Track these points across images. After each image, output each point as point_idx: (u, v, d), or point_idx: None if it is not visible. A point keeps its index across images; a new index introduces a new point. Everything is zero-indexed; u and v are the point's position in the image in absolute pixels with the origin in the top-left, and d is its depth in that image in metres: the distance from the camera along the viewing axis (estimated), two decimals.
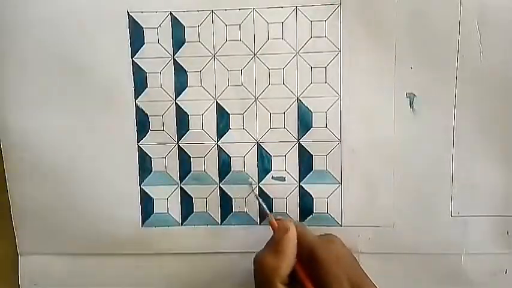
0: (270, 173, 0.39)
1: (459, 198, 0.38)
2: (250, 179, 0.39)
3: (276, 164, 0.39)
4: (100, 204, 0.40)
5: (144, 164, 0.39)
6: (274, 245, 0.33)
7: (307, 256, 0.33)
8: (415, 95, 0.37)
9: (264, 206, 0.38)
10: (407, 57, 0.37)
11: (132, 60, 0.38)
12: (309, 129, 0.38)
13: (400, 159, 0.38)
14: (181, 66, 0.38)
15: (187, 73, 0.38)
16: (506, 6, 0.35)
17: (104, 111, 0.39)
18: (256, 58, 0.38)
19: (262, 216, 0.39)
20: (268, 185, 0.39)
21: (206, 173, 0.39)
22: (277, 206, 0.39)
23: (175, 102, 0.39)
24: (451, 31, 0.36)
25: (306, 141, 0.38)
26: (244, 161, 0.39)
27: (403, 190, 0.38)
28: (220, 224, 0.40)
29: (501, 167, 0.37)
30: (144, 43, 0.38)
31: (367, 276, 0.33)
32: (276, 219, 0.36)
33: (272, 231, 0.35)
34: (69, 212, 0.40)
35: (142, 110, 0.39)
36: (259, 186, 0.39)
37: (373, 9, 0.36)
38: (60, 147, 0.39)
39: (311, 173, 0.39)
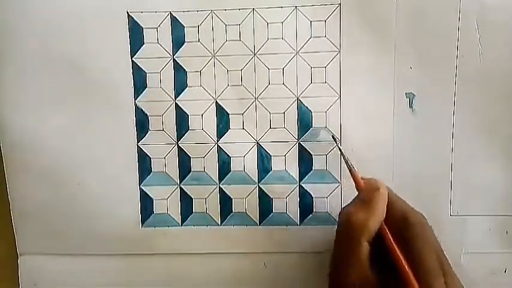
0: (270, 173, 0.39)
1: (459, 197, 0.38)
2: (331, 133, 0.38)
3: (276, 164, 0.39)
4: (100, 205, 0.40)
5: (144, 164, 0.39)
6: (364, 202, 0.32)
7: (398, 220, 0.31)
8: (414, 95, 0.37)
9: (349, 162, 0.35)
10: (407, 57, 0.37)
11: (132, 60, 0.38)
12: (309, 129, 0.38)
13: (400, 159, 0.38)
14: (181, 66, 0.38)
15: (187, 73, 0.38)
16: (505, 6, 0.35)
17: (104, 111, 0.39)
18: (256, 58, 0.38)
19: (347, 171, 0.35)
20: (268, 184, 0.39)
21: (206, 173, 0.39)
22: (277, 206, 0.39)
23: (175, 102, 0.39)
24: (450, 31, 0.36)
25: (306, 141, 0.38)
26: (244, 161, 0.39)
27: (402, 189, 0.38)
28: (220, 224, 0.40)
29: (501, 166, 0.38)
30: (143, 43, 0.38)
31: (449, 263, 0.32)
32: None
33: (356, 189, 0.34)
34: (69, 212, 0.40)
35: (142, 110, 0.39)
36: (259, 186, 0.39)
37: (373, 9, 0.36)
38: (60, 148, 0.39)
39: (311, 172, 0.39)
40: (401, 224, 0.31)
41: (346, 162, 0.35)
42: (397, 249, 0.30)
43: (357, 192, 0.34)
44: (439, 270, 0.30)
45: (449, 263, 0.31)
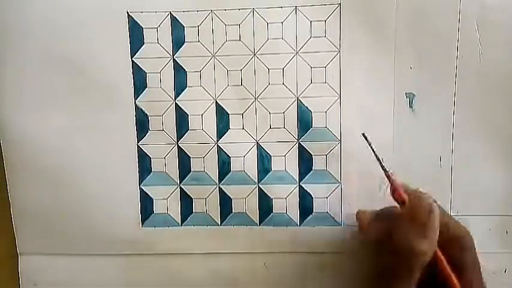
0: (270, 173, 0.39)
1: (459, 197, 0.38)
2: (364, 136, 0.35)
3: (276, 164, 0.39)
4: (100, 205, 0.40)
5: (144, 164, 0.39)
6: (421, 227, 0.30)
7: (449, 239, 0.31)
8: (414, 95, 0.37)
9: (385, 167, 0.34)
10: (407, 57, 0.37)
11: (132, 60, 0.38)
12: (309, 129, 0.38)
13: (400, 159, 0.38)
14: (180, 66, 0.38)
15: (187, 73, 0.38)
16: (505, 6, 0.35)
17: (104, 111, 0.39)
18: (255, 58, 0.38)
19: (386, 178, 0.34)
20: (268, 184, 0.39)
21: (206, 173, 0.39)
22: (277, 206, 0.39)
23: (175, 102, 0.39)
24: (450, 31, 0.36)
25: (306, 141, 0.38)
26: (244, 161, 0.39)
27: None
28: (220, 224, 0.40)
29: (501, 166, 0.38)
30: (143, 43, 0.38)
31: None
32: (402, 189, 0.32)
33: (393, 199, 0.33)
34: (69, 212, 0.40)
35: (142, 110, 0.39)
36: (258, 187, 0.39)
37: (373, 9, 0.36)
38: (60, 148, 0.39)
39: (311, 172, 0.39)
40: (452, 244, 0.31)
41: (382, 166, 0.34)
42: (451, 274, 0.30)
43: (396, 202, 0.33)
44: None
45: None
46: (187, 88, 0.38)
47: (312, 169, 0.39)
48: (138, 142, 0.39)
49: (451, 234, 0.31)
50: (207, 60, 0.38)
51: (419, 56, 0.37)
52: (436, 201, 0.31)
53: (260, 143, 0.39)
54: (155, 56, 0.38)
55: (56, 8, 0.38)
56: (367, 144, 0.35)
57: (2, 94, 0.39)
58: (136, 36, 0.38)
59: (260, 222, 0.39)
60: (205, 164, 0.39)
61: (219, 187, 0.39)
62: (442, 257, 0.31)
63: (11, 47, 0.38)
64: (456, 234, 0.31)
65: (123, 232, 0.40)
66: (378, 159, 0.35)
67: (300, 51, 0.37)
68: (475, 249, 0.32)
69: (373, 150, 0.35)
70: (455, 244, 0.31)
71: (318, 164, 0.39)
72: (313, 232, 0.39)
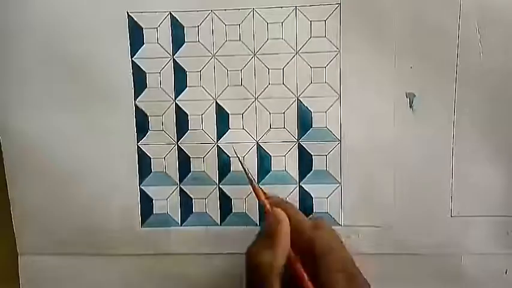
0: (270, 173, 0.39)
1: (459, 198, 0.38)
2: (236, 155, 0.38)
3: (276, 164, 0.39)
4: (100, 205, 0.40)
5: (144, 164, 0.39)
6: (268, 239, 0.31)
7: (304, 246, 0.31)
8: (414, 95, 0.37)
9: (254, 180, 0.36)
10: (407, 57, 0.37)
11: (132, 61, 0.38)
12: (309, 129, 0.38)
13: (400, 159, 0.38)
14: (180, 66, 0.38)
15: (187, 73, 0.38)
16: (506, 6, 0.35)
17: (104, 112, 0.39)
18: (255, 58, 0.38)
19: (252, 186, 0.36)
20: (268, 185, 0.39)
21: (206, 173, 0.39)
22: None
23: (175, 103, 0.39)
24: (450, 31, 0.36)
25: (306, 141, 0.38)
26: (244, 161, 0.39)
27: (403, 190, 0.38)
28: (220, 224, 0.40)
29: (501, 167, 0.37)
30: (143, 43, 0.38)
31: (360, 271, 0.32)
32: (267, 199, 0.34)
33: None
34: (69, 212, 0.40)
35: (141, 110, 0.39)
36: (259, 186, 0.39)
37: (373, 9, 0.36)
38: (60, 147, 0.39)
39: (311, 173, 0.39)
40: (307, 251, 0.31)
41: (251, 182, 0.35)
42: (305, 276, 0.31)
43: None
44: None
45: (364, 284, 0.31)
46: (187, 88, 0.38)
47: (312, 169, 0.39)
48: (138, 142, 0.39)
49: (305, 241, 0.31)
50: (207, 60, 0.38)
51: (419, 56, 0.37)
52: (294, 208, 0.34)
53: (260, 143, 0.39)
54: (155, 56, 0.38)
55: (56, 8, 0.38)
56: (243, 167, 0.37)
57: (2, 94, 0.39)
58: (136, 36, 0.38)
59: (260, 222, 0.39)
60: (205, 164, 0.39)
61: (219, 187, 0.39)
62: (298, 264, 0.31)
63: (11, 47, 0.38)
64: (309, 241, 0.31)
65: (123, 232, 0.40)
66: (244, 168, 0.37)
67: (299, 51, 0.37)
68: (333, 253, 0.31)
69: (239, 159, 0.38)
70: (308, 249, 0.31)
71: (318, 164, 0.38)
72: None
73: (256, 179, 0.39)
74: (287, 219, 0.32)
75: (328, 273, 0.30)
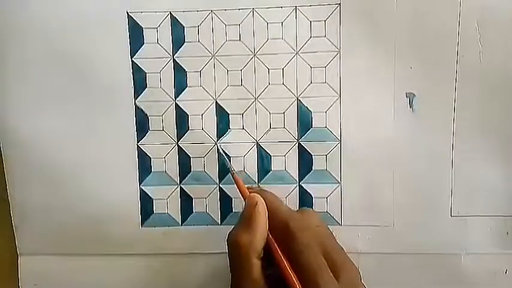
0: (269, 173, 0.39)
1: (459, 198, 0.38)
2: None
3: (276, 164, 0.39)
4: (100, 205, 0.40)
5: (144, 164, 0.39)
6: (245, 220, 0.32)
7: (280, 228, 0.32)
8: (414, 95, 0.37)
9: (232, 169, 0.37)
10: (407, 57, 0.37)
11: (132, 61, 0.38)
12: (309, 129, 0.38)
13: (400, 159, 0.38)
14: (180, 66, 0.38)
15: (187, 73, 0.38)
16: (506, 6, 0.35)
17: (104, 112, 0.39)
18: (255, 58, 0.38)
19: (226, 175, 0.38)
20: (268, 184, 0.39)
21: (206, 173, 0.39)
22: None
23: (175, 102, 0.39)
24: (450, 31, 0.36)
25: (306, 141, 0.38)
26: (244, 161, 0.39)
27: (402, 190, 0.38)
28: (220, 224, 0.40)
29: (501, 166, 0.37)
30: (143, 43, 0.38)
31: (342, 248, 0.33)
32: (247, 188, 0.35)
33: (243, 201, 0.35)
34: (69, 212, 0.40)
35: (141, 110, 0.39)
36: (259, 186, 0.39)
37: (373, 9, 0.36)
38: (60, 148, 0.39)
39: (311, 172, 0.39)
40: (283, 233, 0.31)
41: (230, 170, 0.37)
42: (281, 255, 0.31)
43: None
44: (324, 267, 0.30)
45: (345, 258, 0.32)
46: (187, 88, 0.38)
47: (312, 169, 0.39)
48: (138, 142, 0.39)
49: (281, 222, 0.32)
50: (207, 60, 0.38)
51: (419, 56, 0.37)
52: (272, 196, 0.35)
53: (260, 143, 0.39)
54: (155, 56, 0.38)
55: (55, 8, 0.38)
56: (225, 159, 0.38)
57: (2, 94, 0.39)
58: (136, 36, 0.38)
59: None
60: (205, 163, 0.39)
61: (219, 187, 0.39)
62: (274, 243, 0.32)
63: (11, 47, 0.38)
64: (284, 221, 0.32)
65: (123, 232, 0.40)
66: (225, 159, 0.38)
67: (299, 51, 0.37)
68: (308, 232, 0.31)
69: (218, 149, 0.38)
70: (284, 230, 0.32)
71: (318, 164, 0.39)
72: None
73: (256, 179, 0.39)
74: (263, 201, 0.33)
75: (301, 254, 0.30)
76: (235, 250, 0.32)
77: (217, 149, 0.38)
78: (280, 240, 0.32)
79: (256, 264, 0.31)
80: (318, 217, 0.34)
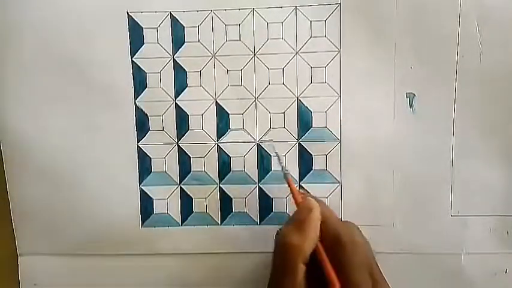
0: (270, 173, 0.39)
1: (459, 198, 0.38)
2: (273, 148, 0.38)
3: (276, 164, 0.39)
4: (100, 205, 0.40)
5: (144, 164, 0.39)
6: (298, 223, 0.32)
7: (331, 239, 0.32)
8: (414, 95, 0.37)
9: (289, 174, 0.37)
10: (407, 57, 0.37)
11: (132, 61, 0.38)
12: (309, 129, 0.38)
13: (400, 159, 0.38)
14: (180, 66, 0.38)
15: (187, 73, 0.38)
16: (506, 6, 0.35)
17: (104, 112, 0.39)
18: (255, 58, 0.38)
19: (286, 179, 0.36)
20: (269, 184, 0.39)
21: (206, 173, 0.39)
22: (277, 206, 0.39)
23: (175, 102, 0.39)
24: (451, 31, 0.36)
25: (306, 141, 0.38)
26: (244, 161, 0.39)
27: (402, 190, 0.38)
28: (220, 224, 0.40)
29: (501, 166, 0.37)
30: (143, 43, 0.38)
31: (380, 271, 0.32)
32: (300, 193, 0.35)
33: (295, 205, 0.34)
34: (69, 212, 0.40)
35: (142, 110, 0.39)
36: (259, 186, 0.39)
37: (373, 9, 0.36)
38: (60, 147, 0.39)
39: (311, 172, 0.39)
40: (334, 243, 0.31)
41: (283, 170, 0.37)
42: (329, 266, 0.31)
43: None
44: (368, 283, 0.30)
45: (384, 283, 0.32)
46: (187, 88, 0.38)
47: (312, 169, 0.39)
48: (138, 142, 0.39)
49: (332, 233, 0.32)
50: (207, 60, 0.38)
51: (419, 56, 0.37)
52: (324, 206, 0.35)
53: (260, 143, 0.39)
54: (155, 56, 0.38)
55: (55, 8, 0.38)
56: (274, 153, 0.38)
57: (2, 94, 0.39)
58: (136, 36, 0.38)
59: (260, 222, 0.39)
60: (206, 163, 0.39)
61: (219, 187, 0.39)
62: (323, 253, 0.31)
63: (11, 47, 0.38)
64: (335, 233, 0.32)
65: (123, 232, 0.40)
66: (278, 158, 0.38)
67: (300, 51, 0.37)
68: (357, 247, 0.31)
69: (278, 156, 0.38)
70: (334, 241, 0.31)
71: (318, 164, 0.39)
72: None
73: (256, 179, 0.39)
74: (318, 209, 0.32)
75: (350, 268, 0.30)
76: (285, 250, 0.31)
77: (262, 147, 0.38)
78: (328, 249, 0.31)
79: (301, 268, 0.30)
80: (360, 231, 0.33)
